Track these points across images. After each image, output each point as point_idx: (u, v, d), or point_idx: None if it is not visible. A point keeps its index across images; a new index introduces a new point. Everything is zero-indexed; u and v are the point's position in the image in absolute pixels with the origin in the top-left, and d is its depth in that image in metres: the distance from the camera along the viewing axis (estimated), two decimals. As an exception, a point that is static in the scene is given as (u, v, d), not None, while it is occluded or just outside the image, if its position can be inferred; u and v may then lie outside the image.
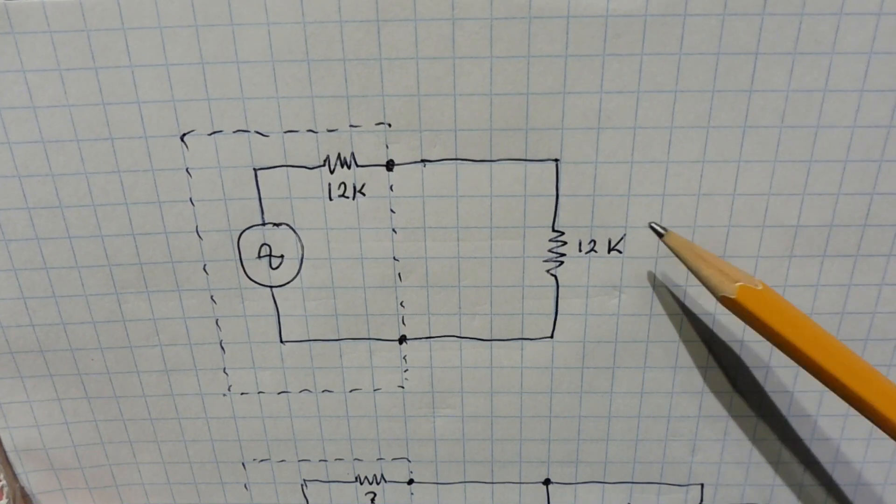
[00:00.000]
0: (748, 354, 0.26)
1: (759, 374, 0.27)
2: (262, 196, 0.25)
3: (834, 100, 0.23)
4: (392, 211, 0.25)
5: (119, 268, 0.26)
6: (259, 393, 0.28)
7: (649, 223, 0.24)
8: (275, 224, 0.25)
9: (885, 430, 0.21)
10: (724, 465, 0.28)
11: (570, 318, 0.26)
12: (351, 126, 0.24)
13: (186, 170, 0.24)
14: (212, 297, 0.26)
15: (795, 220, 0.24)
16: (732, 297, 0.22)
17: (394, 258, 0.26)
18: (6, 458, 0.29)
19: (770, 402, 0.27)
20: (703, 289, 0.25)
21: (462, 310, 0.26)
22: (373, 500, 0.30)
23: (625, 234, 0.25)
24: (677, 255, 0.23)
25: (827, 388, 0.22)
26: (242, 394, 0.28)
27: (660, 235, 0.24)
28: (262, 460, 0.29)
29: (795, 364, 0.26)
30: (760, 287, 0.22)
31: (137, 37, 0.22)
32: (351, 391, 0.28)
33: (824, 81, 0.22)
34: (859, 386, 0.21)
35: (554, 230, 0.25)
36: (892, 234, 0.24)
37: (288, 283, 0.26)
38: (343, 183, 0.25)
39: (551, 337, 0.27)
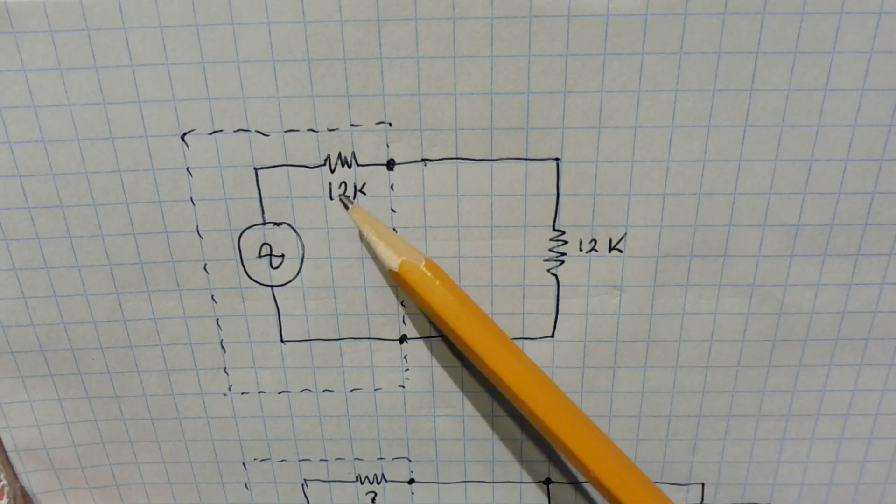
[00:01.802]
0: (748, 354, 0.26)
1: (759, 374, 0.27)
2: (262, 195, 0.25)
3: (835, 99, 0.23)
4: (392, 210, 0.25)
5: (119, 267, 0.26)
6: (259, 392, 0.28)
7: (339, 194, 0.25)
8: (275, 223, 0.25)
9: (540, 430, 0.22)
10: (725, 465, 0.28)
11: (571, 318, 0.26)
12: (351, 125, 0.24)
13: (187, 169, 0.24)
14: (212, 296, 0.26)
15: (796, 219, 0.24)
16: (395, 270, 0.23)
17: (394, 258, 0.26)
18: (7, 457, 0.29)
19: (770, 402, 0.27)
20: (705, 288, 0.25)
21: (462, 309, 0.26)
22: (373, 499, 0.30)
23: (626, 234, 0.25)
24: (359, 228, 0.25)
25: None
26: (243, 393, 0.28)
27: (346, 208, 0.25)
28: (262, 460, 0.29)
29: (796, 364, 0.26)
30: (423, 263, 0.23)
31: (138, 36, 0.22)
32: (351, 391, 0.28)
33: (825, 80, 0.22)
34: (495, 362, 0.22)
35: (554, 229, 0.25)
36: (894, 234, 0.24)
37: (288, 282, 0.26)
38: (344, 182, 0.25)
39: (552, 336, 0.27)
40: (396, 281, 0.24)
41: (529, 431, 0.28)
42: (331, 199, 0.25)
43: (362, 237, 0.24)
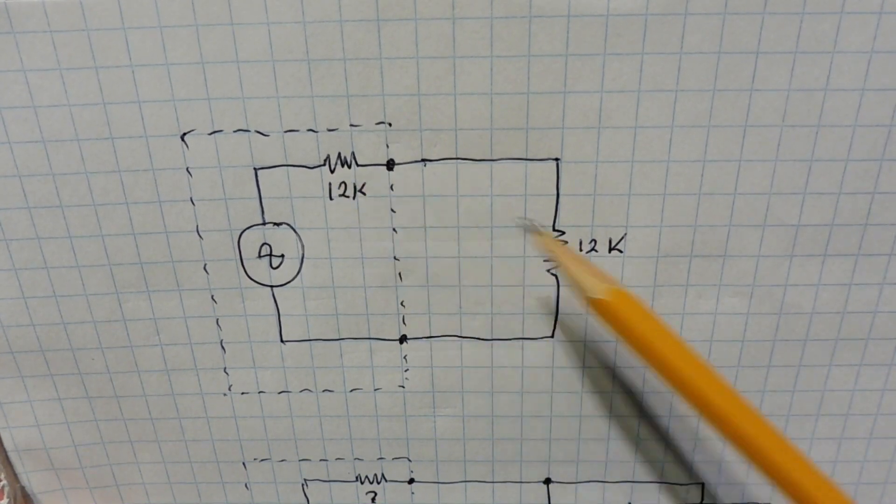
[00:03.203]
0: (748, 354, 0.26)
1: (759, 374, 0.27)
2: (262, 195, 0.25)
3: (835, 99, 0.23)
4: (392, 210, 0.25)
5: (119, 267, 0.26)
6: (259, 392, 0.28)
7: (517, 218, 0.24)
8: (275, 224, 0.25)
9: (736, 445, 0.20)
10: (725, 465, 0.28)
11: (571, 318, 0.26)
12: (351, 125, 0.24)
13: (187, 169, 0.24)
14: (212, 296, 0.26)
15: (796, 219, 0.24)
16: (601, 297, 0.21)
17: (394, 258, 0.26)
18: (7, 457, 0.29)
19: (770, 402, 0.27)
20: (705, 288, 0.25)
21: (462, 309, 0.26)
22: (373, 499, 0.30)
23: (626, 234, 0.25)
24: (549, 255, 0.23)
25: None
26: (243, 393, 0.28)
27: (531, 233, 0.24)
28: (262, 460, 0.29)
29: (796, 364, 0.26)
30: (629, 292, 0.22)
31: (138, 36, 0.22)
32: (351, 391, 0.28)
33: (825, 80, 0.22)
34: (725, 404, 0.20)
35: (555, 230, 0.25)
36: (894, 234, 0.24)
37: (288, 282, 0.26)
38: (343, 182, 0.24)
39: (552, 337, 0.27)
40: (596, 310, 0.22)
41: (529, 431, 0.28)
42: (331, 199, 0.25)
43: (556, 266, 0.23)
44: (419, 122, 0.24)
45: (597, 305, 0.22)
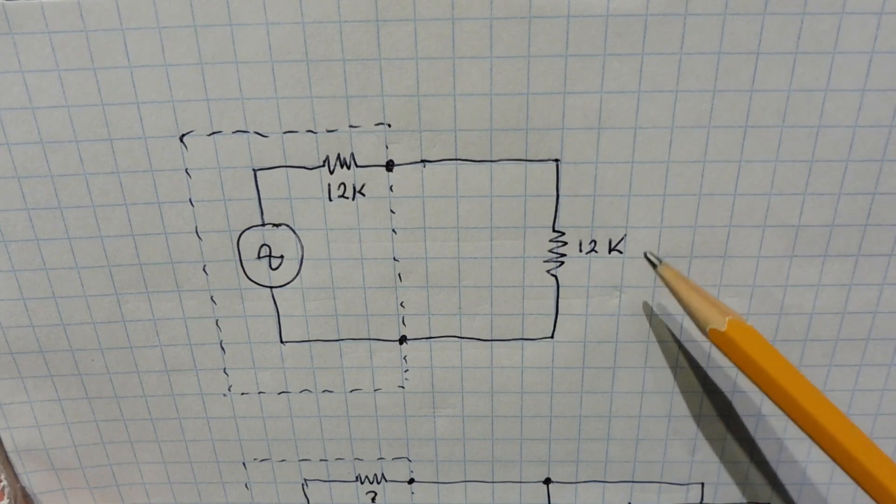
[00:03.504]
0: (749, 354, 0.26)
1: (759, 374, 0.27)
2: (261, 196, 0.25)
3: (835, 99, 0.23)
4: (392, 211, 0.25)
5: (119, 268, 0.26)
6: (259, 393, 0.28)
7: (644, 253, 0.25)
8: (274, 224, 0.25)
9: (860, 482, 0.21)
10: (725, 465, 0.28)
11: (571, 318, 0.26)
12: (350, 126, 0.24)
13: (186, 170, 0.24)
14: (212, 297, 0.26)
15: (796, 219, 0.24)
16: (722, 329, 0.22)
17: (394, 258, 0.26)
18: (7, 458, 0.29)
19: (770, 402, 0.27)
20: (707, 288, 0.25)
21: (462, 310, 0.26)
22: (373, 499, 0.30)
23: (625, 235, 0.25)
24: (669, 286, 0.24)
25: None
26: (243, 394, 0.28)
27: (654, 266, 0.24)
28: (262, 460, 0.29)
29: (796, 364, 0.26)
30: (748, 323, 0.22)
31: (136, 37, 0.22)
32: (351, 391, 0.28)
33: (826, 81, 0.22)
34: (843, 435, 0.21)
35: (554, 230, 0.25)
36: (894, 234, 0.24)
37: (288, 283, 0.26)
38: (343, 183, 0.24)
39: (552, 337, 0.27)
40: (715, 340, 0.22)
41: (529, 431, 0.28)
42: (330, 200, 0.25)
43: (674, 295, 0.23)
44: (419, 122, 0.23)
45: (717, 337, 0.22)
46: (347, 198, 0.25)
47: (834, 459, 0.21)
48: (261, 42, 0.22)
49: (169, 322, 0.27)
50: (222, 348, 0.27)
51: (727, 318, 0.22)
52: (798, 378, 0.21)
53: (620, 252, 0.25)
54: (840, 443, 0.21)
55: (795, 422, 0.21)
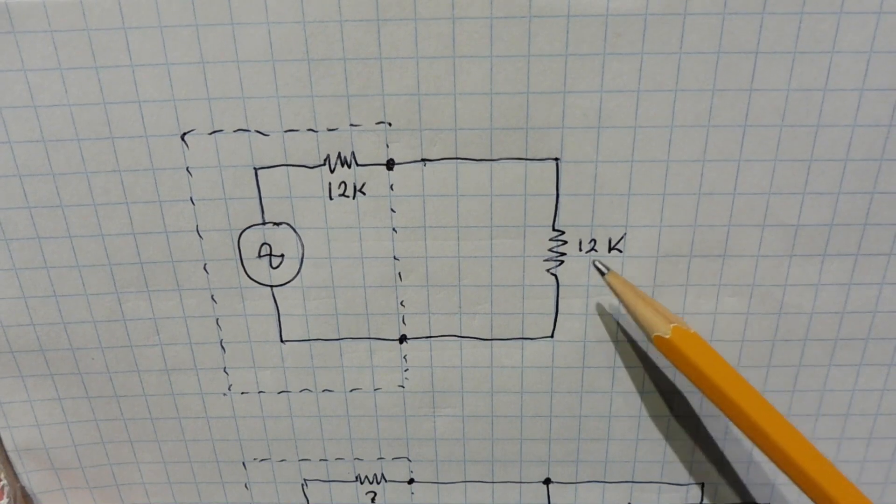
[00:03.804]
0: (748, 354, 0.26)
1: (759, 374, 0.27)
2: (262, 195, 0.25)
3: (834, 99, 0.23)
4: (392, 210, 0.25)
5: (119, 267, 0.26)
6: (259, 392, 0.28)
7: (593, 261, 0.25)
8: (275, 223, 0.25)
9: (799, 484, 0.21)
10: (725, 465, 0.28)
11: (571, 318, 0.26)
12: (351, 125, 0.24)
13: (187, 169, 0.24)
14: (212, 296, 0.26)
15: (796, 219, 0.24)
16: (667, 336, 0.23)
17: (394, 257, 0.26)
18: (7, 457, 0.29)
19: (771, 402, 0.27)
20: (705, 288, 0.25)
21: (462, 309, 0.26)
22: (373, 499, 0.30)
23: (625, 234, 0.25)
24: (615, 294, 0.24)
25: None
26: (243, 393, 0.28)
27: (602, 274, 0.25)
28: (262, 460, 0.29)
29: (796, 364, 0.26)
30: (692, 330, 0.23)
31: (138, 36, 0.23)
32: (351, 391, 0.28)
33: (824, 80, 0.22)
34: (782, 438, 0.21)
35: (554, 229, 0.25)
36: (893, 234, 0.24)
37: (288, 282, 0.26)
38: (343, 182, 0.25)
39: (552, 336, 0.27)
40: (661, 347, 0.23)
41: (529, 431, 0.28)
42: (330, 198, 0.25)
43: (621, 302, 0.24)
44: (419, 121, 0.24)
45: (661, 343, 0.23)
46: (348, 196, 0.25)
47: (773, 461, 0.22)
48: (262, 41, 0.23)
49: (169, 321, 0.27)
50: (222, 347, 0.27)
51: (671, 325, 0.23)
52: (739, 382, 0.22)
53: (620, 251, 0.25)
54: (777, 444, 0.21)
55: (736, 424, 0.22)
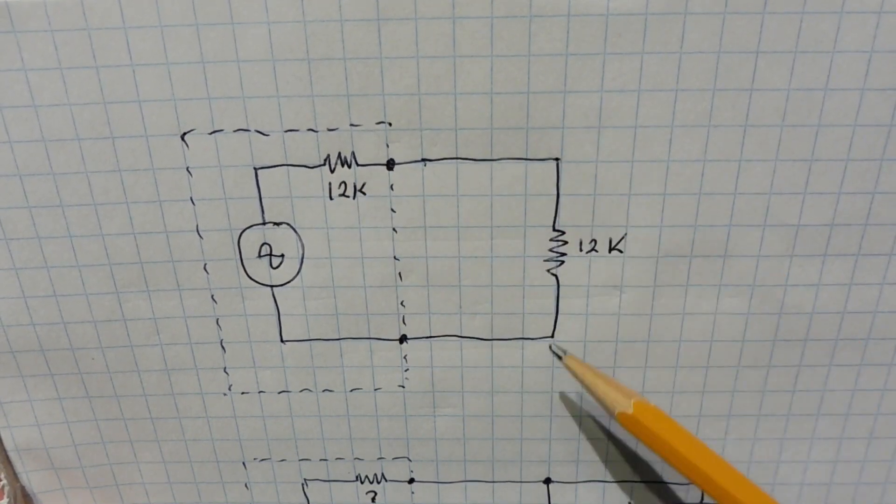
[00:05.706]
0: (748, 354, 0.26)
1: (759, 374, 0.27)
2: (262, 195, 0.25)
3: (835, 98, 0.23)
4: (392, 210, 0.25)
5: (120, 267, 0.26)
6: (259, 392, 0.28)
7: (549, 345, 0.26)
8: (275, 223, 0.25)
9: None
10: (725, 465, 0.28)
11: (571, 318, 0.26)
12: (351, 125, 0.24)
13: (187, 169, 0.24)
14: (212, 296, 0.26)
15: (796, 219, 0.24)
16: (629, 412, 0.23)
17: (394, 257, 0.26)
18: (7, 457, 0.29)
19: (770, 402, 0.27)
20: (705, 288, 0.25)
21: (462, 309, 0.26)
22: (373, 499, 0.30)
23: (626, 234, 0.25)
24: (575, 376, 0.25)
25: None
26: (243, 393, 0.28)
27: (559, 357, 0.25)
28: (262, 459, 0.29)
29: (796, 364, 0.26)
30: (650, 404, 0.24)
31: (138, 36, 0.22)
32: (351, 390, 0.28)
33: (825, 80, 0.22)
34: (747, 499, 0.22)
35: (554, 229, 0.25)
36: (894, 234, 0.24)
37: (288, 282, 0.26)
38: (343, 182, 0.25)
39: (552, 336, 0.27)
40: (624, 423, 0.24)
41: (529, 431, 0.28)
42: (331, 198, 0.25)
43: (581, 384, 0.25)
44: (419, 121, 0.24)
45: (625, 419, 0.24)
46: (348, 196, 0.25)
47: None
48: (262, 41, 0.23)
49: (169, 321, 0.27)
50: (223, 347, 0.27)
51: (632, 401, 0.23)
52: (703, 450, 0.23)
53: (620, 251, 0.25)
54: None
55: (705, 490, 0.23)
